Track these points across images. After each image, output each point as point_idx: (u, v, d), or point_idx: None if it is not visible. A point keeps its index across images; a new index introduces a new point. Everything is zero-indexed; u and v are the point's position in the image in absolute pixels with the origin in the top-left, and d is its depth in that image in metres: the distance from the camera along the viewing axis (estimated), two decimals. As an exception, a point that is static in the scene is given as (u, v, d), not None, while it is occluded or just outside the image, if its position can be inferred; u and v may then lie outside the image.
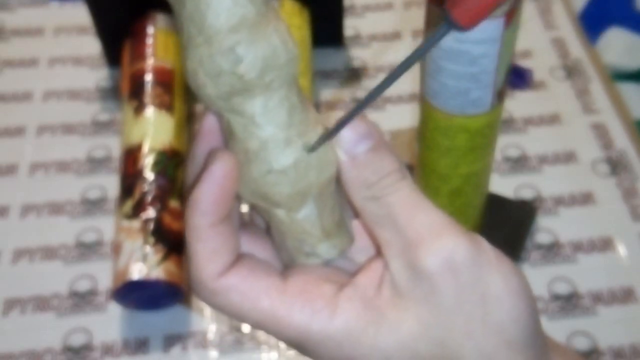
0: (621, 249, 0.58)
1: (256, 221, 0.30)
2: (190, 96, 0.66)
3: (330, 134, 0.26)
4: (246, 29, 0.24)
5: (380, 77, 0.71)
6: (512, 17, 0.38)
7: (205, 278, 0.26)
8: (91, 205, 0.62)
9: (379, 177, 0.26)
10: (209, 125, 0.27)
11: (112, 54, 0.71)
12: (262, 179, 0.26)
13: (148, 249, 0.51)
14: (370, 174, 0.26)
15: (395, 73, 0.24)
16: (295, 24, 0.65)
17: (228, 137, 0.26)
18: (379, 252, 0.27)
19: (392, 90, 0.70)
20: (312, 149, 0.26)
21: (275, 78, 0.25)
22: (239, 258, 0.27)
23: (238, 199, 0.28)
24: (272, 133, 0.25)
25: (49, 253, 0.59)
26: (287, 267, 0.29)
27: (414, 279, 0.25)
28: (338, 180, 0.27)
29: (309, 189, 0.26)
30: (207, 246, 0.26)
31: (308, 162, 0.26)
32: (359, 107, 0.25)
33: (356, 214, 0.29)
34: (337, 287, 0.27)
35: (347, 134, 0.26)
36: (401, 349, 0.25)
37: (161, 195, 0.54)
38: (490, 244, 0.26)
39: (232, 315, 0.27)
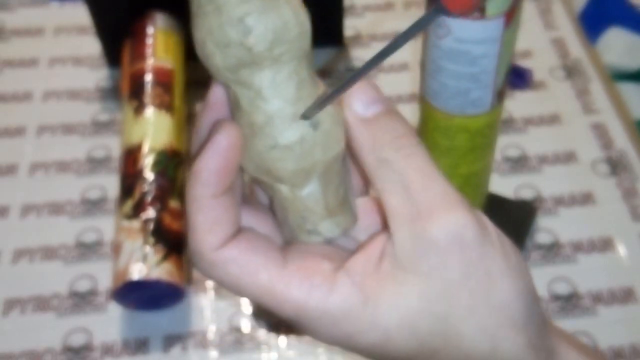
0: (621, 249, 0.58)
1: (258, 197, 0.30)
2: (190, 96, 0.66)
3: (326, 100, 0.25)
4: None
5: (380, 77, 0.71)
6: (512, 17, 0.38)
7: (204, 249, 0.26)
8: (91, 205, 0.62)
9: (392, 137, 0.26)
10: (215, 97, 0.27)
11: (112, 54, 0.71)
12: (267, 154, 0.25)
13: (148, 249, 0.51)
14: (383, 134, 0.26)
15: (387, 49, 0.24)
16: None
17: (234, 109, 0.26)
18: (384, 227, 0.27)
19: (392, 90, 0.70)
20: (306, 115, 0.25)
21: (285, 51, 0.24)
22: (239, 231, 0.27)
23: (241, 172, 0.27)
24: (279, 107, 0.25)
25: (49, 253, 0.59)
26: (288, 243, 0.28)
27: (420, 250, 0.25)
28: (344, 159, 0.27)
29: (313, 166, 0.26)
30: (208, 217, 0.26)
31: (314, 138, 0.25)
32: (353, 76, 0.25)
33: (364, 188, 0.29)
34: (336, 264, 0.26)
35: (357, 98, 0.26)
36: (400, 324, 0.25)
37: (161, 195, 0.54)
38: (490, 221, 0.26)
39: (230, 287, 0.26)
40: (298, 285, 0.25)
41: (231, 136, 0.25)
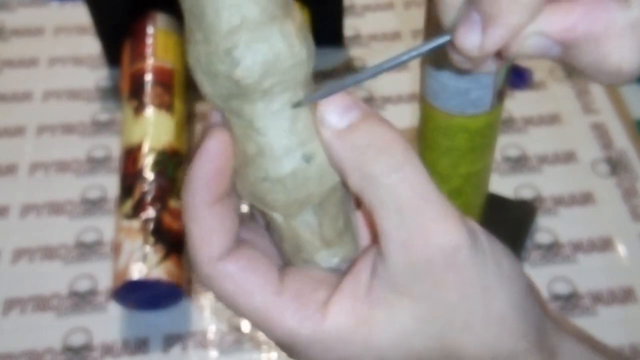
0: (621, 249, 0.58)
1: (256, 217, 0.29)
2: (190, 96, 0.66)
3: (319, 96, 0.24)
4: (247, 30, 0.22)
5: (380, 77, 0.71)
6: (512, 17, 0.38)
7: (201, 260, 0.25)
8: (91, 205, 0.62)
9: (376, 149, 0.24)
10: (216, 119, 0.26)
11: (112, 54, 0.71)
12: (258, 185, 0.25)
13: (148, 248, 0.51)
14: (365, 146, 0.24)
15: (390, 63, 0.24)
16: (295, 24, 0.65)
17: (230, 133, 0.25)
18: (373, 240, 0.26)
19: (392, 90, 0.70)
20: (300, 103, 0.24)
21: (277, 83, 0.23)
22: (239, 245, 0.26)
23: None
24: (271, 140, 0.24)
25: (49, 253, 0.59)
26: (287, 264, 0.28)
27: (415, 274, 0.24)
28: (346, 185, 0.26)
29: (308, 198, 0.25)
30: (203, 226, 0.25)
31: (307, 172, 0.24)
32: (342, 84, 0.24)
33: (355, 202, 0.28)
34: (331, 290, 0.26)
35: (329, 108, 0.24)
36: (395, 346, 0.25)
37: (161, 195, 0.54)
38: (479, 226, 0.26)
39: (225, 302, 0.26)
40: (292, 314, 0.25)
41: (220, 142, 0.24)
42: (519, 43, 0.23)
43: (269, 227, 0.28)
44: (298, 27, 0.24)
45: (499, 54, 0.24)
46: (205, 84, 0.24)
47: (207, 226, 0.25)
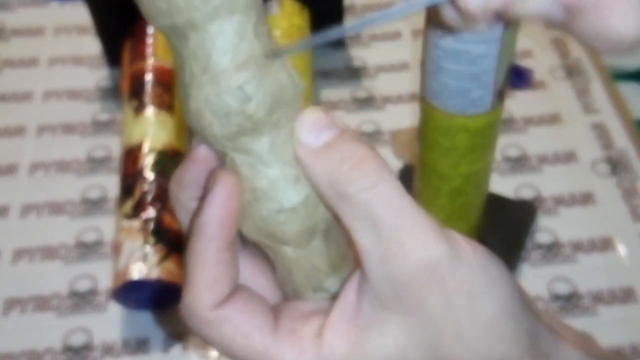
0: (621, 249, 0.58)
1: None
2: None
3: (302, 46, 0.24)
4: (254, 65, 0.23)
5: (381, 77, 0.71)
6: (512, 17, 0.38)
7: (201, 306, 0.25)
8: (91, 205, 0.62)
9: (349, 166, 0.24)
10: (201, 154, 0.26)
11: (112, 54, 0.71)
12: (272, 218, 0.25)
13: (148, 248, 0.51)
14: (339, 163, 0.24)
15: (382, 16, 0.23)
16: (295, 24, 0.65)
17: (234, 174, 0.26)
18: (357, 261, 0.26)
19: (392, 90, 0.70)
20: (272, 53, 0.24)
21: (283, 115, 0.24)
22: (236, 289, 0.26)
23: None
24: (281, 171, 0.24)
25: (49, 253, 0.59)
26: (286, 299, 0.28)
27: (398, 291, 0.24)
28: None
29: (318, 225, 0.26)
30: (210, 273, 0.25)
31: (316, 197, 0.25)
32: (326, 35, 0.24)
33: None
34: (322, 318, 0.26)
35: (305, 127, 0.24)
36: None
37: (161, 195, 0.54)
38: (462, 235, 0.25)
39: (220, 347, 0.26)
40: (289, 351, 0.25)
41: (228, 185, 0.24)
42: (523, 1, 0.22)
43: (274, 263, 0.28)
44: (290, 61, 0.25)
45: (500, 15, 0.24)
46: (214, 125, 0.24)
47: (214, 273, 0.25)
